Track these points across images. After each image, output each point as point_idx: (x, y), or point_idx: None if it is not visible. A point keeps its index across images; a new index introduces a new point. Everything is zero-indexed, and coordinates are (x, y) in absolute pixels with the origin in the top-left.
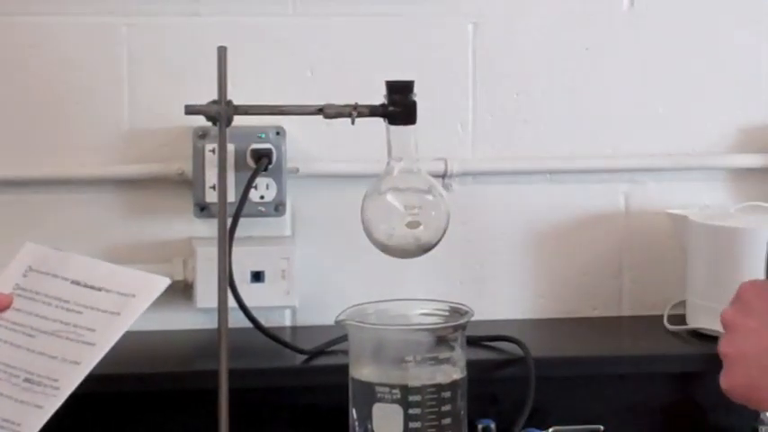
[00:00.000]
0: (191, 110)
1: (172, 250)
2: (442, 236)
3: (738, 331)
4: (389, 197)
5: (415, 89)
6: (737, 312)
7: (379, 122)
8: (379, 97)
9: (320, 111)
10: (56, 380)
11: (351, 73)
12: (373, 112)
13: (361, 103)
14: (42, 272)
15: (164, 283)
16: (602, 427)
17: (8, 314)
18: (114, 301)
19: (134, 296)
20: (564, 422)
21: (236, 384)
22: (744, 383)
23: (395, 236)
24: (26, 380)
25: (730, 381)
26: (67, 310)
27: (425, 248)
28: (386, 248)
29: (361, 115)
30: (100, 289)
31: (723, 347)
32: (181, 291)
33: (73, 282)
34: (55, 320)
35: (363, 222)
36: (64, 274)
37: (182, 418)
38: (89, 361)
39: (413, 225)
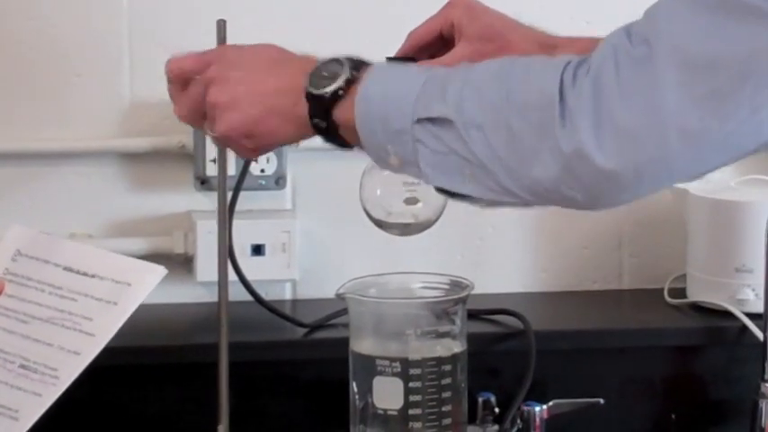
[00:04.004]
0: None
1: (172, 223)
2: (441, 213)
3: (227, 82)
4: (387, 173)
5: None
6: (221, 68)
7: None
8: None
9: None
10: (54, 369)
11: (351, 47)
12: None
13: None
14: (32, 256)
15: (160, 272)
16: (602, 400)
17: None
18: (109, 288)
19: (129, 285)
20: (564, 395)
21: (236, 357)
22: (242, 121)
23: (393, 213)
24: (21, 366)
25: (228, 124)
26: (61, 296)
27: (424, 226)
28: (384, 226)
29: None
30: (93, 276)
31: (212, 97)
32: (181, 264)
33: (65, 268)
34: (49, 307)
35: (362, 200)
36: (55, 259)
37: (181, 391)
38: (89, 352)
39: (411, 202)
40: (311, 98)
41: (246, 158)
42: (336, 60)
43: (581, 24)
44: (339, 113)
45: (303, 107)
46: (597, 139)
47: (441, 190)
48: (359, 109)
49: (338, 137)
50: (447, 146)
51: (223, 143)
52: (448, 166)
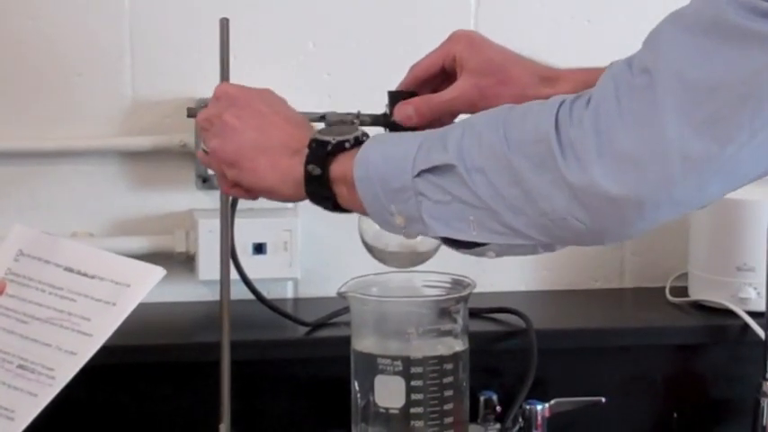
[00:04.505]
0: (192, 113)
1: (174, 222)
2: (440, 245)
3: (248, 108)
4: None
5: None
6: (253, 96)
7: (380, 94)
8: (379, 70)
9: (322, 118)
10: (51, 369)
11: (352, 45)
12: (376, 121)
13: (363, 73)
14: (34, 257)
15: (159, 273)
16: (603, 399)
17: (1, 299)
18: (109, 289)
19: (129, 286)
20: (565, 394)
21: (237, 356)
22: (234, 147)
23: (391, 245)
24: (19, 366)
25: (220, 144)
26: (61, 297)
27: (424, 258)
28: (384, 259)
29: (363, 124)
30: (93, 277)
31: (227, 116)
32: (182, 263)
33: (66, 268)
34: (49, 307)
35: (360, 233)
36: (56, 260)
37: (183, 390)
38: (85, 351)
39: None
40: (315, 144)
41: (226, 193)
42: (354, 125)
43: (582, 23)
44: (337, 167)
45: (299, 162)
46: (601, 170)
47: (447, 241)
48: (358, 172)
49: (329, 190)
50: (449, 193)
51: (208, 163)
52: (451, 214)
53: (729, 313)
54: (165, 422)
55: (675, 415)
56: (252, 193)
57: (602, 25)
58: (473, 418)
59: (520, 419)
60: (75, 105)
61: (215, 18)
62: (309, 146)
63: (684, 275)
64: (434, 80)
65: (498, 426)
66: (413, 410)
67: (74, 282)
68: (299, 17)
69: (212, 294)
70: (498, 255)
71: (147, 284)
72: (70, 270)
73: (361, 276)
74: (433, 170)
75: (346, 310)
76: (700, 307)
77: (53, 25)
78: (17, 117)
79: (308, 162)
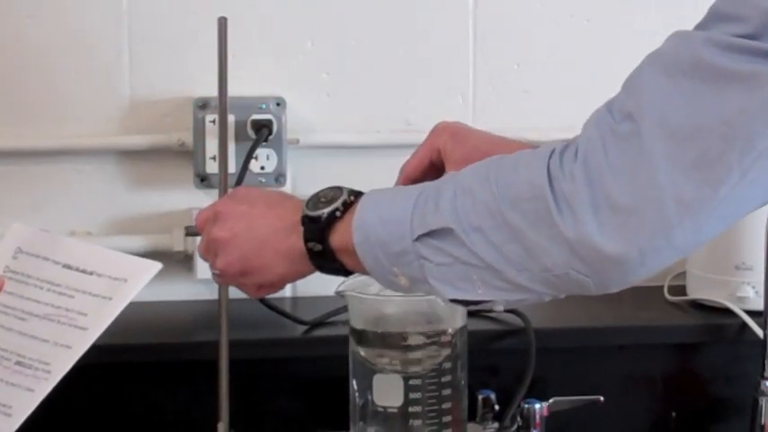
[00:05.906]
0: (191, 231)
1: (172, 221)
2: None
3: (230, 218)
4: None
5: (416, 60)
6: (229, 202)
7: (380, 92)
8: (379, 70)
9: None
10: (47, 363)
11: (351, 44)
12: None
13: (362, 73)
14: (32, 254)
15: (155, 267)
16: (601, 398)
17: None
18: (106, 285)
19: (126, 281)
20: (564, 393)
21: (236, 355)
22: (237, 258)
23: None
24: (17, 362)
25: (225, 260)
26: (59, 293)
27: None
28: None
29: None
30: (91, 273)
31: (214, 233)
32: (181, 262)
33: (64, 265)
34: (47, 304)
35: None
36: (54, 257)
37: (181, 389)
38: (81, 345)
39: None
40: (307, 221)
41: (255, 297)
42: (336, 187)
43: (581, 23)
44: (336, 238)
45: (297, 238)
46: (597, 223)
47: (454, 301)
48: (357, 238)
49: (335, 261)
50: (450, 255)
51: (224, 283)
52: (455, 275)
53: (728, 312)
54: (163, 421)
55: (674, 414)
56: (276, 286)
57: (602, 24)
58: (471, 416)
59: (518, 418)
60: (73, 104)
61: (213, 17)
62: (303, 222)
63: (683, 274)
64: (426, 176)
65: (497, 425)
66: (411, 409)
67: (72, 278)
68: (298, 16)
69: (210, 293)
70: (506, 307)
71: (144, 278)
72: (69, 267)
73: (360, 275)
74: (431, 234)
75: (344, 308)
76: (698, 306)
77: (52, 24)
78: (15, 116)
79: (306, 240)
